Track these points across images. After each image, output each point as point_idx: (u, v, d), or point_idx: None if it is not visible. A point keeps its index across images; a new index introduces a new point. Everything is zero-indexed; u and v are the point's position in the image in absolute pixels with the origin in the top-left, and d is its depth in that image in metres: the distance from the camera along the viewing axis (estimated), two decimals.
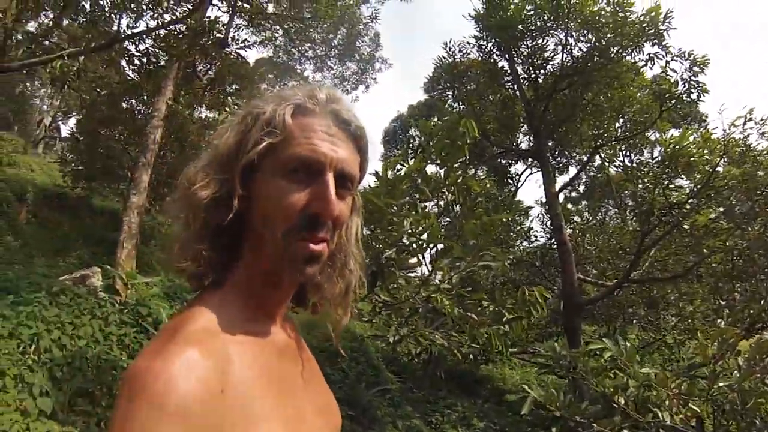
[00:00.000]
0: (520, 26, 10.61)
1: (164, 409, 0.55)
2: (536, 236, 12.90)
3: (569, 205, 14.93)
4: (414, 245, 3.17)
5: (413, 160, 3.31)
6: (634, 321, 11.81)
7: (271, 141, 0.74)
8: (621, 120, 11.56)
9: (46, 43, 8.32)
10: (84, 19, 9.85)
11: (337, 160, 0.75)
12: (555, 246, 10.96)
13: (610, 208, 15.95)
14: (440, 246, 3.26)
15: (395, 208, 2.90)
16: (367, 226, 2.98)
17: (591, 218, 14.90)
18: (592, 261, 12.25)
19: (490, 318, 3.06)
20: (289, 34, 15.84)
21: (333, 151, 0.75)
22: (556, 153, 13.16)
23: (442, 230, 3.11)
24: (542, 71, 11.41)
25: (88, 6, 9.71)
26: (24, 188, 12.28)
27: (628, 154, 13.21)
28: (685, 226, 8.87)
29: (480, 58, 11.99)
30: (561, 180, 13.19)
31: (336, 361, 8.45)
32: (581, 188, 17.60)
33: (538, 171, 13.43)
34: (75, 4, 9.02)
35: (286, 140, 0.74)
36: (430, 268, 3.33)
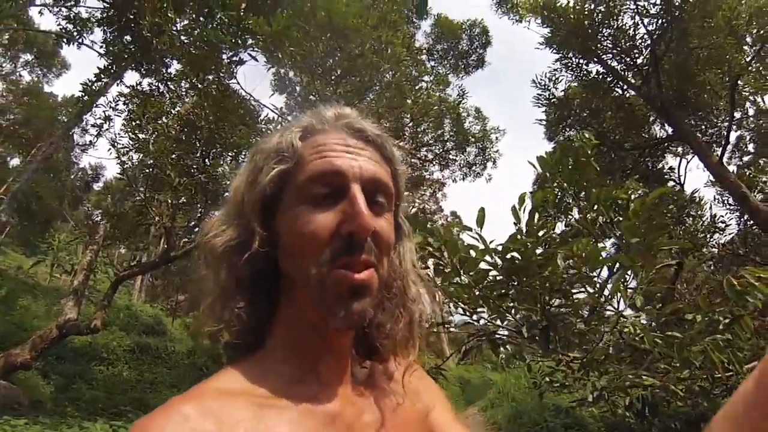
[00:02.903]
0: (586, 22, 10.05)
1: None
2: (723, 222, 10.97)
3: (746, 171, 12.72)
4: (582, 282, 2.82)
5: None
6: None
7: (283, 167, 0.66)
8: (743, 43, 9.75)
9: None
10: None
11: (361, 170, 0.65)
12: (750, 222, 9.23)
13: None
14: (607, 272, 2.88)
15: (540, 249, 2.66)
16: (520, 280, 2.74)
17: None
18: None
19: (701, 331, 2.46)
20: (404, 149, 16.75)
21: (354, 161, 0.66)
22: (703, 127, 11.50)
23: (603, 252, 2.73)
24: (635, 51, 10.47)
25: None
26: None
27: None
28: None
29: (573, 77, 11.46)
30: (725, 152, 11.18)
31: None
32: (751, 147, 14.96)
33: (692, 156, 11.80)
34: (219, 195, 10.57)
35: (298, 164, 0.66)
36: (610, 300, 2.90)
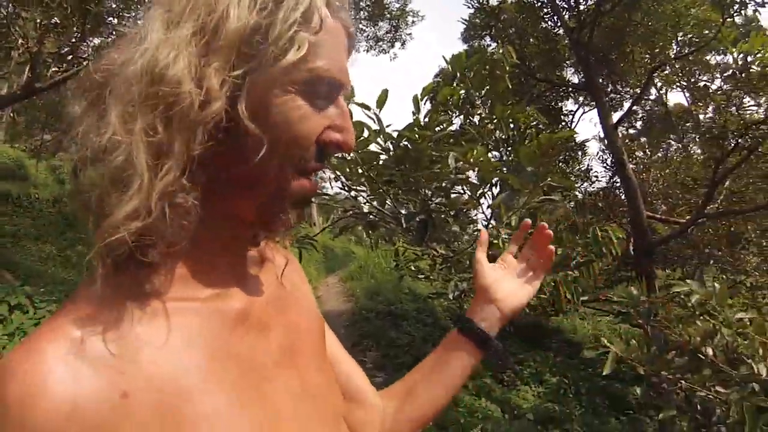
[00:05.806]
0: None
1: None
2: (597, 176, 12.07)
3: (627, 142, 14.01)
4: (464, 186, 2.79)
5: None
6: (711, 262, 10.75)
7: (308, 37, 0.51)
8: (677, 41, 10.28)
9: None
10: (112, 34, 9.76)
11: (348, 84, 0.59)
12: (618, 185, 10.18)
13: (672, 142, 14.76)
14: (496, 185, 2.88)
15: (433, 144, 2.54)
16: (408, 170, 2.61)
17: (652, 154, 13.88)
18: (660, 197, 11.33)
19: (557, 263, 2.63)
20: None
21: (348, 73, 0.59)
22: (609, 88, 12.12)
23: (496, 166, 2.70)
24: None
25: (115, 20, 9.57)
26: None
27: (688, 78, 12.00)
28: (762, 150, 7.80)
29: None
30: (617, 117, 12.20)
31: (401, 324, 8.32)
32: (638, 125, 16.35)
33: (591, 109, 12.45)
34: (101, 22, 8.92)
35: (314, 46, 0.52)
36: (488, 212, 2.95)
